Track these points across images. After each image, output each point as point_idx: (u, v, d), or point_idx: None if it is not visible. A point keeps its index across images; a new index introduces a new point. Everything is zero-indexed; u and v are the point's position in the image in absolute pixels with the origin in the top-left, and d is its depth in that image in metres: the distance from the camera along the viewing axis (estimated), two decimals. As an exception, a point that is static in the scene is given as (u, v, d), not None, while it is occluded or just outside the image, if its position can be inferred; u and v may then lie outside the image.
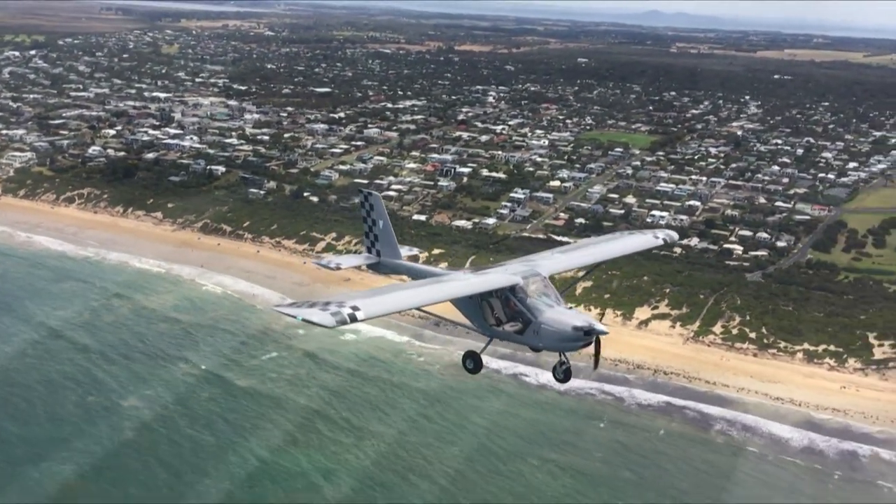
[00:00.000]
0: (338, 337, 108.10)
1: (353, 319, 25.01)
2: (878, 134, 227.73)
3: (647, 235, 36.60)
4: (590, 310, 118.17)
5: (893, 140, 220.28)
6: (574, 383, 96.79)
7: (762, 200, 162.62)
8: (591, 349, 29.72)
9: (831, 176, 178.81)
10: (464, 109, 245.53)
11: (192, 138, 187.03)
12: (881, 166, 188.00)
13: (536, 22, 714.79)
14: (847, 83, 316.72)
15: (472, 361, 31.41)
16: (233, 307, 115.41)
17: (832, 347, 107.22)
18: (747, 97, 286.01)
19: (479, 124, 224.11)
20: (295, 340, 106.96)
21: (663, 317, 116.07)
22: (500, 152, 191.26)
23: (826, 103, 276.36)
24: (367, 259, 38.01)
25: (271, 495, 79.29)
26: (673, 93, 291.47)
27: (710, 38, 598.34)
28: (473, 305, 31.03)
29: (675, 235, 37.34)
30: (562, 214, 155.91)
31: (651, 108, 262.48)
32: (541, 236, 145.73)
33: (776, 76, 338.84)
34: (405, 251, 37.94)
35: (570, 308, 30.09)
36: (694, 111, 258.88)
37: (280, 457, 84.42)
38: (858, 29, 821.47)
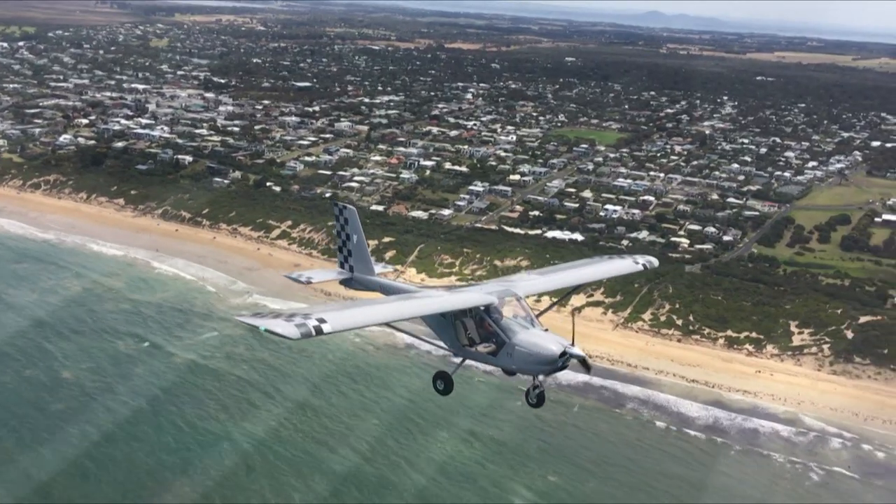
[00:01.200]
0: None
1: (319, 332, 24.53)
2: (846, 135, 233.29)
3: (626, 261, 36.42)
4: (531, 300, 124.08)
5: (858, 140, 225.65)
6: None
7: (715, 196, 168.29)
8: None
9: (787, 174, 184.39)
10: (440, 105, 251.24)
11: (162, 128, 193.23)
12: (839, 165, 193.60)
13: (533, 21, 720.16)
14: (826, 85, 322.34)
15: (443, 383, 30.94)
16: (182, 288, 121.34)
17: (753, 335, 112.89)
18: (725, 97, 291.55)
19: (452, 120, 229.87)
20: (230, 321, 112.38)
21: (597, 304, 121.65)
22: (466, 147, 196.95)
23: (802, 104, 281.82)
24: (340, 274, 37.47)
25: (197, 459, 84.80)
26: (652, 92, 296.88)
27: (704, 39, 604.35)
28: (446, 324, 30.55)
29: (656, 262, 36.90)
30: (517, 207, 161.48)
31: (627, 106, 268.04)
32: (493, 227, 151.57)
33: (759, 78, 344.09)
34: (379, 268, 37.64)
35: (546, 330, 29.37)
36: (669, 110, 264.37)
37: (210, 424, 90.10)
38: (860, 32, 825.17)
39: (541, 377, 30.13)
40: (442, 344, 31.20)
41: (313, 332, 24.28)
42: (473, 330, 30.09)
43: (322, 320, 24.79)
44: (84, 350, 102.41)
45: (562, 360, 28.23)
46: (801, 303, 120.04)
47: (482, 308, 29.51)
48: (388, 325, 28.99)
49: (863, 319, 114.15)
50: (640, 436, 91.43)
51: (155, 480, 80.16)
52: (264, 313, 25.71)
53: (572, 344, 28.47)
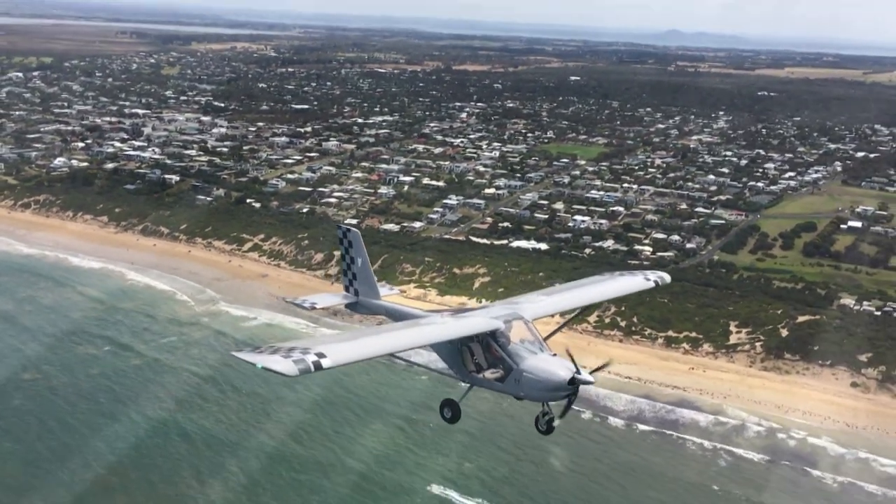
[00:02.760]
0: (238, 324, 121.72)
1: (318, 368, 24.03)
2: (832, 146, 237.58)
3: (637, 278, 35.77)
4: (482, 302, 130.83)
5: (844, 152, 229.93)
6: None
7: (683, 206, 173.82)
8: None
9: (761, 184, 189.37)
10: (432, 124, 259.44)
11: (153, 150, 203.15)
12: (815, 175, 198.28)
13: (548, 42, 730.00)
14: (826, 99, 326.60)
15: (451, 411, 30.44)
16: (151, 297, 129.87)
17: (693, 334, 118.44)
18: (721, 112, 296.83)
19: (441, 137, 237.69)
20: (196, 326, 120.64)
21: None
22: (447, 163, 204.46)
23: (797, 118, 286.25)
24: (345, 298, 37.14)
25: (148, 446, 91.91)
26: (649, 109, 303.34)
27: (719, 57, 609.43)
28: (452, 350, 30.20)
29: (668, 278, 36.55)
30: (488, 219, 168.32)
31: (619, 122, 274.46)
32: (461, 238, 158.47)
33: (760, 93, 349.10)
34: (385, 290, 37.29)
35: (555, 355, 28.93)
36: (660, 125, 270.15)
37: (160, 414, 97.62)
38: (884, 47, 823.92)
39: (550, 404, 29.74)
40: (449, 370, 30.76)
41: (312, 368, 23.83)
42: (480, 356, 29.67)
43: (321, 354, 24.30)
44: (52, 349, 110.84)
45: (571, 387, 27.79)
46: (744, 304, 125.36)
47: (488, 333, 29.19)
48: (392, 356, 28.15)
49: (801, 319, 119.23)
50: (562, 425, 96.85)
51: (105, 466, 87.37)
52: (262, 349, 24.99)
53: (579, 370, 27.91)
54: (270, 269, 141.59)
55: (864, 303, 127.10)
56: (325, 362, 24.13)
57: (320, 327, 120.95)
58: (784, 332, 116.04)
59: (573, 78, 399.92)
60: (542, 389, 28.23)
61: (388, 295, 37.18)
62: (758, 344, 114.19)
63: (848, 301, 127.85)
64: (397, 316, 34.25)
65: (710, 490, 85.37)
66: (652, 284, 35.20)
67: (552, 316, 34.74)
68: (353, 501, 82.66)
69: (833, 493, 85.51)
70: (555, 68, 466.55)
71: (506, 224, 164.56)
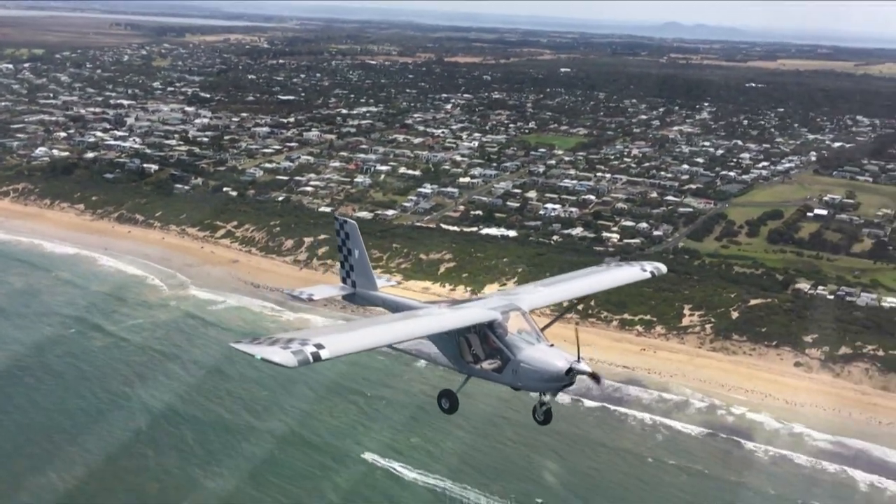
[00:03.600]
0: (206, 307, 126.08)
1: (317, 359, 24.34)
2: (811, 137, 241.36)
3: (634, 268, 36.26)
4: (445, 287, 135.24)
5: (823, 142, 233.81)
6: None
7: (654, 195, 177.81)
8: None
9: (732, 174, 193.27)
10: (416, 115, 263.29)
11: (134, 140, 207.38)
12: (788, 165, 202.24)
13: (544, 34, 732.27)
14: (812, 91, 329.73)
15: (448, 401, 31.01)
16: (122, 280, 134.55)
17: (647, 317, 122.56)
18: (706, 104, 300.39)
19: (423, 128, 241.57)
20: (165, 308, 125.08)
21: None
22: (424, 152, 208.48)
23: (781, 109, 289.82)
24: (343, 290, 37.72)
25: (109, 420, 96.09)
26: (634, 100, 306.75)
27: (714, 48, 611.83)
28: (450, 341, 30.61)
29: (664, 268, 36.90)
30: (461, 207, 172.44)
31: (602, 113, 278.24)
32: (432, 226, 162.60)
33: (748, 84, 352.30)
34: (382, 282, 37.96)
35: (552, 346, 29.35)
36: (643, 116, 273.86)
37: (125, 389, 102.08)
38: (885, 39, 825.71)
39: (548, 394, 29.98)
40: (447, 361, 31.20)
41: (311, 360, 24.16)
42: (478, 346, 30.11)
43: (320, 346, 24.62)
44: (21, 329, 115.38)
45: (568, 377, 28.08)
46: (700, 289, 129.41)
47: (486, 324, 29.59)
48: (390, 347, 28.69)
49: (753, 302, 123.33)
50: (511, 400, 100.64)
51: (67, 438, 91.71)
52: (261, 339, 25.31)
53: (579, 359, 28.22)
54: (241, 255, 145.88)
55: (819, 287, 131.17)
56: (323, 353, 24.48)
57: (286, 310, 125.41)
58: (735, 315, 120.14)
59: (563, 70, 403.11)
60: (539, 380, 28.51)
61: (386, 286, 37.99)
62: (708, 326, 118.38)
63: (803, 286, 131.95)
64: (395, 307, 34.78)
65: (644, 459, 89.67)
66: (648, 275, 35.61)
67: (549, 308, 35.38)
68: (295, 466, 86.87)
69: (763, 463, 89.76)
70: (546, 60, 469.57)
71: (478, 212, 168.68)
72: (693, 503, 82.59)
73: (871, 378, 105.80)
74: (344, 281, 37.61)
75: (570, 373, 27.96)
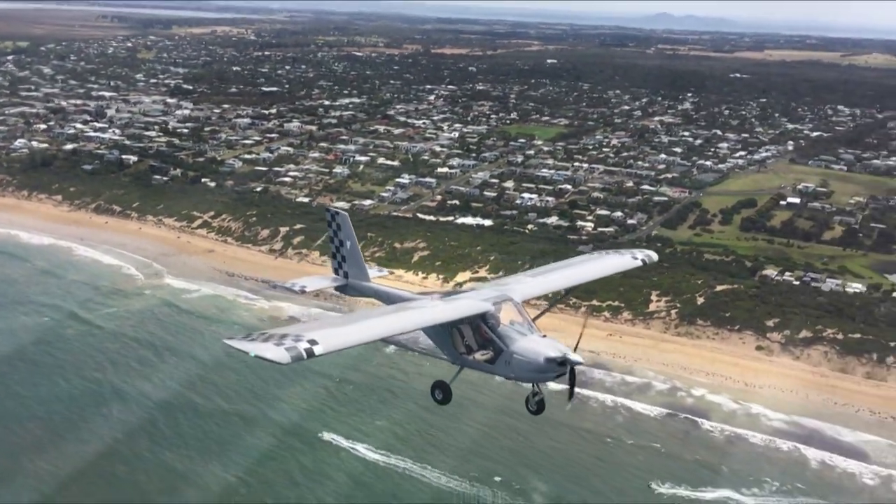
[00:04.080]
0: (181, 295, 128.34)
1: (311, 355, 24.47)
2: (791, 126, 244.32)
3: (625, 256, 36.43)
4: (418, 275, 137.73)
5: (802, 131, 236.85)
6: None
7: (630, 184, 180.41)
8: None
9: (709, 163, 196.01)
10: (398, 106, 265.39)
11: (114, 131, 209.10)
12: (765, 154, 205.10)
13: (533, 26, 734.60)
14: (796, 81, 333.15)
15: (442, 392, 31.22)
16: (98, 270, 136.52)
17: (616, 303, 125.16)
18: (689, 94, 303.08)
19: (405, 119, 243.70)
20: (140, 297, 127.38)
21: (480, 279, 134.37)
22: (404, 143, 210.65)
23: (763, 99, 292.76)
24: (335, 281, 37.93)
25: (81, 405, 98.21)
26: (618, 91, 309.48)
27: (704, 39, 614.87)
28: (443, 333, 30.80)
29: (655, 256, 37.31)
30: (438, 196, 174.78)
31: (584, 104, 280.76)
32: (408, 216, 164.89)
33: (733, 75, 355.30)
34: (374, 272, 38.08)
35: (544, 336, 29.65)
36: (626, 107, 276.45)
37: (98, 375, 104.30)
38: (871, 30, 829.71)
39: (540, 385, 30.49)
40: (440, 352, 31.44)
41: (304, 356, 24.32)
42: (470, 337, 30.34)
43: (313, 341, 24.78)
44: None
45: (561, 368, 28.49)
46: (669, 275, 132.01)
47: (478, 315, 29.85)
48: (383, 340, 28.67)
49: (719, 288, 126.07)
50: (479, 383, 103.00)
51: (39, 423, 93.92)
52: (254, 336, 25.50)
53: (575, 350, 28.85)
54: (217, 244, 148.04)
55: (787, 273, 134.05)
56: (317, 349, 24.64)
57: (260, 299, 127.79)
58: (700, 301, 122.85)
59: (549, 61, 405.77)
60: (531, 371, 28.91)
61: (378, 277, 38.05)
62: (674, 311, 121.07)
63: (770, 272, 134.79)
64: (387, 298, 35.06)
65: (603, 439, 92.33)
66: (639, 263, 35.88)
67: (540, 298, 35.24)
68: (263, 447, 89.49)
69: (718, 442, 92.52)
70: (533, 52, 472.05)
71: (454, 202, 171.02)
72: (647, 480, 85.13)
73: (829, 361, 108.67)
74: (336, 272, 37.88)
75: (563, 364, 28.33)
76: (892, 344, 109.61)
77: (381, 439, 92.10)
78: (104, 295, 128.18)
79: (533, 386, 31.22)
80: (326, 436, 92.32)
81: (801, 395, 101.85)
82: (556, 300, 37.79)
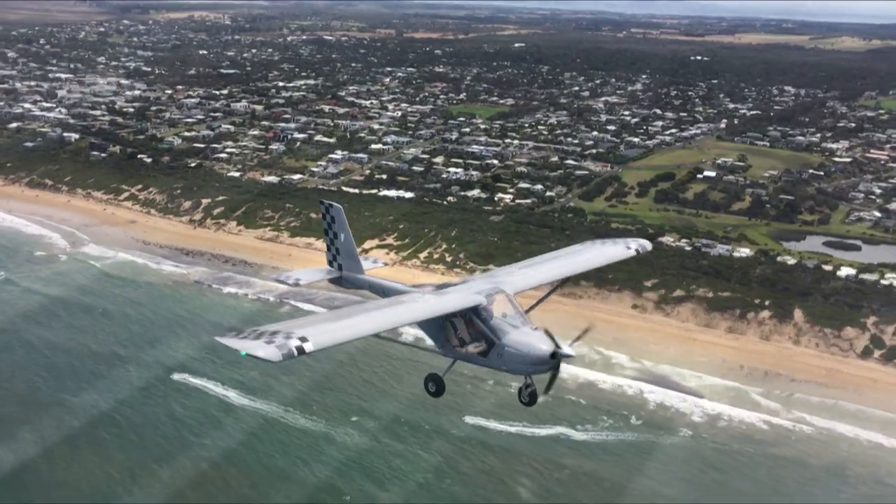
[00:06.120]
0: (97, 262, 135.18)
1: (301, 352, 24.77)
2: (732, 106, 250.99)
3: (618, 246, 36.81)
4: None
5: (741, 110, 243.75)
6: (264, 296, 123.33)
7: (554, 159, 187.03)
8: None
9: (636, 139, 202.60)
10: (351, 87, 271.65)
11: (59, 111, 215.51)
12: (694, 132, 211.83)
13: (514, 11, 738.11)
14: (753, 63, 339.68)
15: (435, 385, 31.83)
16: (21, 239, 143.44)
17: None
18: (644, 76, 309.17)
19: (353, 99, 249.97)
20: (59, 262, 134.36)
21: (387, 247, 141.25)
22: (345, 122, 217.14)
23: (714, 81, 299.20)
24: (329, 273, 38.29)
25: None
26: (574, 73, 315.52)
27: (682, 24, 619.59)
28: (435, 326, 31.30)
29: (649, 245, 37.67)
30: (366, 171, 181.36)
31: (536, 85, 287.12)
32: (333, 189, 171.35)
33: (693, 57, 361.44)
34: (368, 264, 38.49)
35: (536, 329, 29.97)
36: (575, 88, 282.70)
37: (10, 326, 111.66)
38: (858, 14, 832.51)
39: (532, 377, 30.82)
40: (432, 345, 32.23)
41: (295, 353, 24.58)
42: (463, 330, 30.73)
43: (304, 338, 25.03)
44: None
45: (553, 360, 28.88)
46: (565, 241, 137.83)
47: (471, 308, 30.19)
48: (375, 336, 28.67)
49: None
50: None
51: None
52: (246, 333, 25.66)
53: (571, 343, 29.39)
54: (140, 216, 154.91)
55: (683, 240, 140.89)
56: (307, 346, 24.94)
57: (167, 263, 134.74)
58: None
59: (517, 45, 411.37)
60: (524, 363, 29.34)
61: (372, 268, 38.39)
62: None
63: (667, 239, 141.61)
64: (380, 290, 35.62)
65: (463, 387, 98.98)
66: (633, 252, 36.32)
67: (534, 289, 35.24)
68: (135, 385, 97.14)
69: (568, 386, 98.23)
70: (505, 36, 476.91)
71: (382, 176, 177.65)
72: (497, 415, 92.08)
73: (696, 317, 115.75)
74: (330, 264, 38.23)
75: (555, 356, 28.84)
76: (757, 301, 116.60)
77: (255, 389, 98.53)
78: (24, 259, 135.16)
79: (525, 378, 31.62)
80: (202, 385, 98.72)
81: (662, 347, 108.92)
82: (550, 292, 36.88)
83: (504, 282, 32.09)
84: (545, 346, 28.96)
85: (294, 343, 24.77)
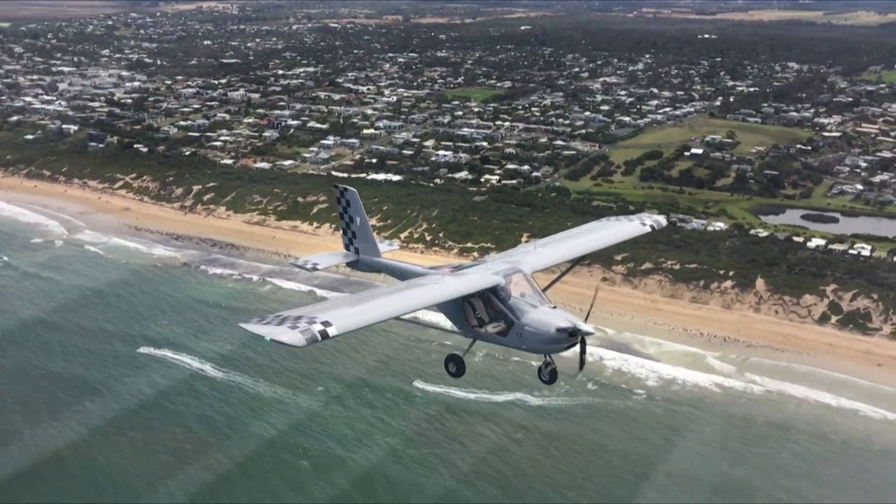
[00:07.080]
0: (90, 247, 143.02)
1: (325, 336, 25.38)
2: (731, 83, 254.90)
3: (634, 223, 37.98)
4: (313, 224, 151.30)
5: (740, 88, 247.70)
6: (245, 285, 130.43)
7: (543, 140, 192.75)
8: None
9: (627, 119, 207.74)
10: (350, 74, 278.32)
11: (60, 103, 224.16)
12: (687, 110, 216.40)
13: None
14: (761, 39, 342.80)
15: (455, 365, 32.87)
16: (19, 226, 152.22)
17: (487, 245, 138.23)
18: (647, 56, 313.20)
19: (350, 86, 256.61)
20: (54, 248, 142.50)
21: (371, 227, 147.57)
22: (339, 107, 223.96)
23: (718, 59, 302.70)
24: (346, 257, 39.18)
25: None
26: (577, 54, 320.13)
27: (696, 2, 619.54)
28: (454, 306, 31.94)
29: (664, 221, 39.17)
30: (357, 156, 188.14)
31: (536, 67, 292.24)
32: (323, 174, 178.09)
33: (702, 36, 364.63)
34: (385, 247, 39.40)
35: (555, 307, 30.67)
36: (575, 69, 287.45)
37: (7, 305, 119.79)
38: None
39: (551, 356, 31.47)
40: (452, 326, 32.80)
41: (319, 338, 25.36)
42: (482, 310, 31.53)
43: (327, 322, 25.82)
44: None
45: (572, 338, 29.73)
46: (543, 220, 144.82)
47: (489, 289, 31.01)
48: (396, 318, 29.15)
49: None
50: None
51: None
52: (269, 319, 26.40)
53: (585, 319, 30.15)
54: (134, 203, 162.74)
55: (661, 216, 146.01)
56: (330, 331, 25.76)
57: (158, 247, 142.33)
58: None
59: (523, 28, 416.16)
60: (543, 342, 30.20)
61: (388, 251, 39.41)
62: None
63: (644, 215, 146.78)
64: (398, 273, 36.45)
65: (429, 354, 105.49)
66: (648, 229, 37.66)
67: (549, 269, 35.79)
68: (120, 357, 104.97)
69: (521, 354, 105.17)
70: (513, 19, 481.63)
71: (372, 160, 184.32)
72: (459, 383, 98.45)
73: (662, 288, 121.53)
74: (347, 248, 39.37)
75: (574, 334, 29.75)
76: (721, 272, 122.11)
77: (234, 361, 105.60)
78: (21, 245, 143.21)
79: (545, 356, 32.61)
80: (178, 358, 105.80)
81: (627, 317, 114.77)
82: (568, 269, 37.59)
83: (521, 261, 33.01)
84: (563, 324, 29.83)
85: (317, 328, 25.74)
